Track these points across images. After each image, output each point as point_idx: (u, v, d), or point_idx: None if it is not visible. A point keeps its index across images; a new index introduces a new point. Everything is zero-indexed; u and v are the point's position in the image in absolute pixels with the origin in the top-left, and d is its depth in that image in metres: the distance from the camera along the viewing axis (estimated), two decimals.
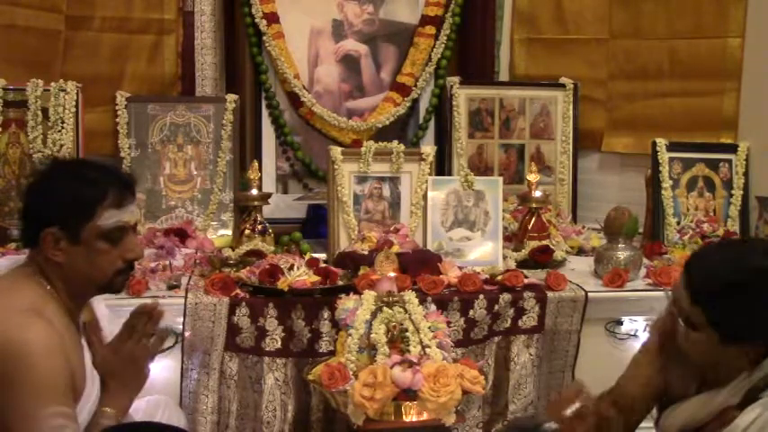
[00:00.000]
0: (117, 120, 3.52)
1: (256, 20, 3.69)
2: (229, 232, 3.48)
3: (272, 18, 3.72)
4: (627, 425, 2.12)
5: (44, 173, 2.10)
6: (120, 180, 2.06)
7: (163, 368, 2.74)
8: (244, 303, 2.82)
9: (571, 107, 3.94)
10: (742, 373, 1.92)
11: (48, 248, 1.98)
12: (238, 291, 2.86)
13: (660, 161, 3.67)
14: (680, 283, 1.97)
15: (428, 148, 3.39)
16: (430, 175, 3.35)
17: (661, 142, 3.68)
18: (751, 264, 1.89)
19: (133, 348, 2.05)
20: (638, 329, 3.02)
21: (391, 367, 2.50)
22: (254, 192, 3.28)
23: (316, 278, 2.91)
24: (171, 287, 2.90)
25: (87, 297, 2.10)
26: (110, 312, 2.28)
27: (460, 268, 3.06)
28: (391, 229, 3.24)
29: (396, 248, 3.07)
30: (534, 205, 3.40)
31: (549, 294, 3.00)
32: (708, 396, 1.98)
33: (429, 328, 2.64)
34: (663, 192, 3.64)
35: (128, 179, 2.10)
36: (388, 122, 3.83)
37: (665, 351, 2.08)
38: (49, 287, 2.01)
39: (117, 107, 3.52)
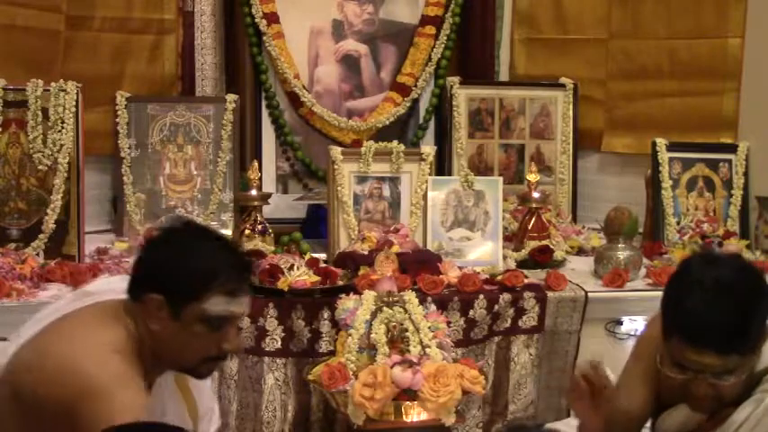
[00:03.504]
0: (117, 120, 3.52)
1: (256, 20, 3.69)
2: (229, 232, 3.48)
3: (272, 18, 3.72)
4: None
5: (167, 234, 1.98)
6: (240, 266, 1.93)
7: None
8: None
9: (571, 107, 3.93)
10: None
11: (148, 313, 1.88)
12: None
13: (660, 161, 3.67)
14: (692, 358, 1.86)
15: (428, 148, 3.39)
16: (430, 175, 3.35)
17: (661, 142, 3.68)
18: (724, 283, 1.84)
19: None
20: (637, 329, 3.02)
21: (391, 367, 2.50)
22: (254, 192, 3.28)
23: (316, 278, 2.91)
24: None
25: (167, 369, 1.98)
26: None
27: (460, 268, 3.06)
28: (391, 229, 3.24)
29: (396, 248, 3.07)
30: (534, 205, 3.40)
31: (549, 294, 3.00)
32: None
33: (429, 328, 2.64)
34: (663, 192, 3.64)
35: (248, 266, 1.97)
36: (388, 122, 3.83)
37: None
38: (136, 340, 1.89)
39: (117, 107, 3.52)
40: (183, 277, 1.87)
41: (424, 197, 3.31)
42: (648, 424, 2.17)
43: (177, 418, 2.04)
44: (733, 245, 3.35)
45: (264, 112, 3.77)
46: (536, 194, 3.40)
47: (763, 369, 1.92)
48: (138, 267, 1.96)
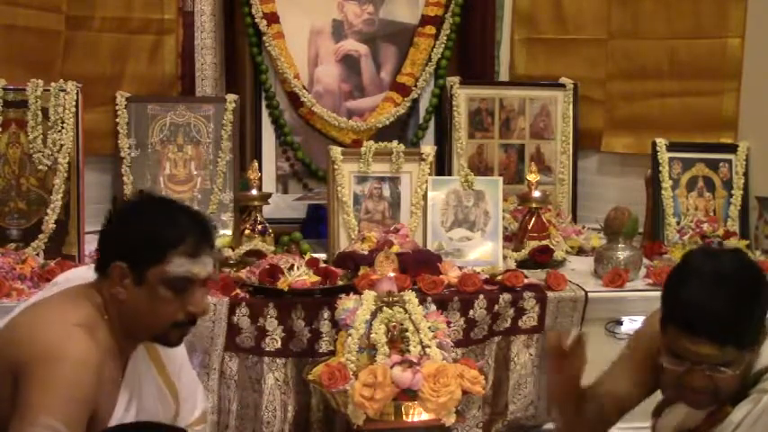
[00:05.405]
0: (117, 120, 3.51)
1: (256, 20, 3.69)
2: (229, 232, 3.48)
3: (272, 18, 3.72)
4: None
5: (128, 205, 2.04)
6: (201, 228, 1.97)
7: None
8: (244, 303, 2.83)
9: (571, 107, 3.93)
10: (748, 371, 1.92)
11: (113, 282, 1.92)
12: (238, 291, 2.86)
13: (660, 161, 3.67)
14: (688, 348, 1.85)
15: (428, 148, 3.39)
16: (430, 175, 3.35)
17: (661, 142, 3.68)
18: (723, 274, 1.85)
19: None
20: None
21: (391, 367, 2.50)
22: (254, 192, 3.28)
23: (316, 278, 2.91)
24: None
25: (140, 341, 2.02)
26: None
27: (460, 268, 3.06)
28: (391, 229, 3.24)
29: (396, 248, 3.07)
30: (534, 205, 3.40)
31: (549, 294, 3.00)
32: None
33: (429, 328, 2.64)
34: (663, 192, 3.64)
35: (209, 229, 2.00)
36: (388, 122, 3.83)
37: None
38: (106, 317, 1.94)
39: (117, 107, 3.52)
40: (145, 241, 1.92)
41: (424, 197, 3.31)
42: (649, 423, 2.18)
43: (154, 394, 2.07)
44: (733, 245, 3.35)
45: (264, 112, 3.77)
46: (536, 194, 3.40)
47: (760, 369, 1.92)
48: (101, 240, 2.01)
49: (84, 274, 2.10)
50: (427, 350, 2.58)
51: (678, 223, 3.62)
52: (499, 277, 3.02)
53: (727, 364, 1.85)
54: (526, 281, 3.01)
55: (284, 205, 3.74)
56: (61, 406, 1.77)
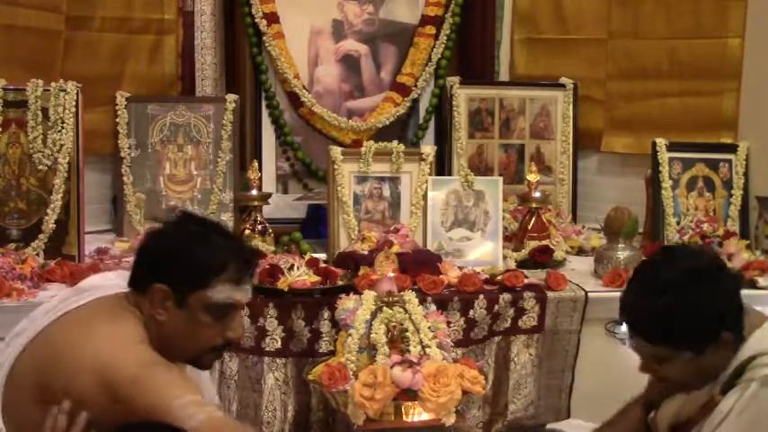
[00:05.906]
0: (117, 120, 3.52)
1: (256, 20, 3.69)
2: None
3: (272, 18, 3.72)
4: None
5: (171, 226, 2.02)
6: (244, 255, 1.98)
7: None
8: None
9: (571, 107, 3.93)
10: (728, 363, 2.00)
11: (153, 303, 1.92)
12: None
13: (660, 161, 3.66)
14: (630, 334, 2.05)
15: (428, 148, 3.39)
16: (430, 175, 3.35)
17: (661, 142, 3.68)
18: (663, 281, 1.98)
19: None
20: None
21: (391, 367, 2.50)
22: (254, 192, 3.28)
23: (316, 278, 2.91)
24: None
25: (172, 361, 1.99)
26: None
27: (460, 268, 3.06)
28: (391, 229, 3.24)
29: (396, 248, 3.07)
30: (534, 205, 3.40)
31: (549, 294, 3.00)
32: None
33: (429, 328, 2.64)
34: (663, 192, 3.64)
35: (252, 256, 2.02)
36: (388, 122, 3.83)
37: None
38: (145, 331, 1.93)
39: (117, 107, 3.53)
40: (190, 266, 1.92)
41: (424, 197, 3.31)
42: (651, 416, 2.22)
43: None
44: (733, 245, 3.34)
45: (264, 112, 3.77)
46: (536, 194, 3.40)
47: (742, 362, 1.97)
48: (142, 258, 2.00)
49: (115, 281, 2.09)
50: (427, 350, 2.58)
51: (678, 223, 3.61)
52: (499, 277, 3.02)
53: (662, 360, 2.00)
54: (526, 281, 3.01)
55: (284, 205, 3.75)
56: (178, 386, 1.78)
